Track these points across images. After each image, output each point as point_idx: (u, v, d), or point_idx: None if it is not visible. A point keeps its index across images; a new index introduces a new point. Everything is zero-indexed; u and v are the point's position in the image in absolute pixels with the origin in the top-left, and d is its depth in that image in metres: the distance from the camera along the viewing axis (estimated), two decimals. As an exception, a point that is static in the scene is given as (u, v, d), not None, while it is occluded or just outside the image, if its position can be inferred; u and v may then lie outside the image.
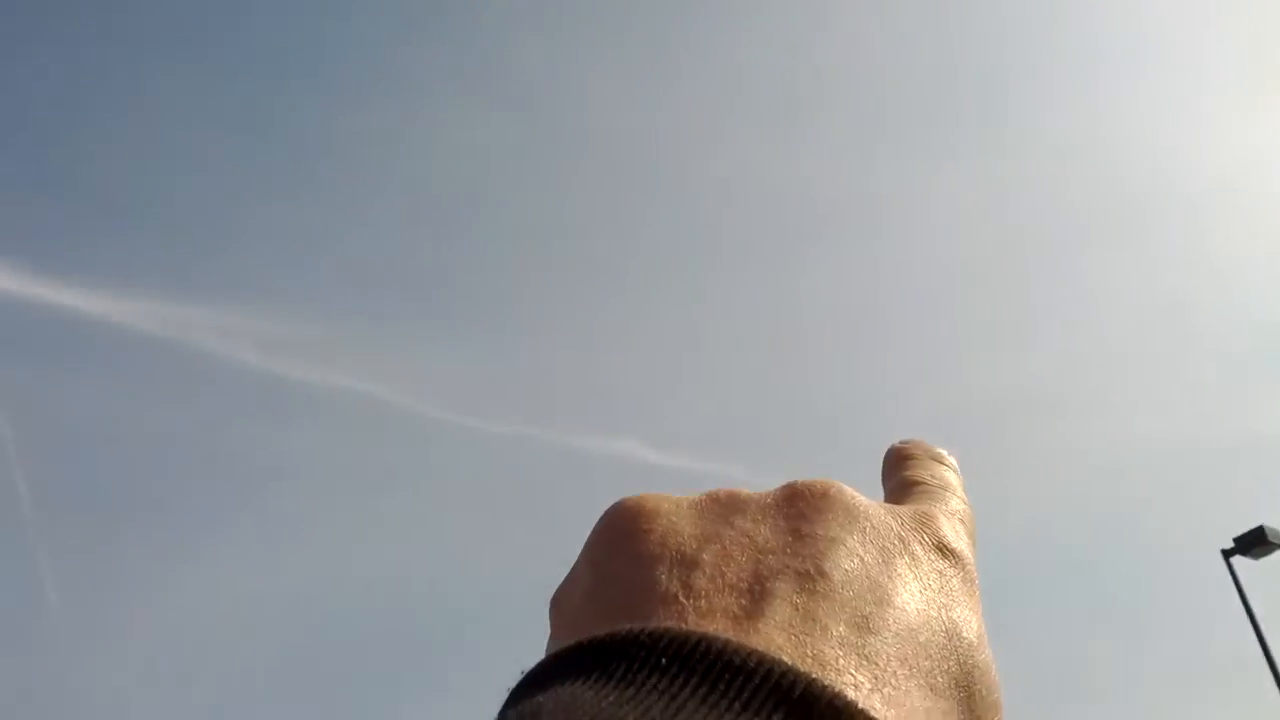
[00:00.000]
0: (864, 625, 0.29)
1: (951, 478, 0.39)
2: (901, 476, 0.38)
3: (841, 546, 0.31)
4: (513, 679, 0.29)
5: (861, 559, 0.31)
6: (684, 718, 0.24)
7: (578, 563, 0.34)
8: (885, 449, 0.41)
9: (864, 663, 0.28)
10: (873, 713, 0.25)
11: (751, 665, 0.25)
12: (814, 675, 0.26)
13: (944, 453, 0.41)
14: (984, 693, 0.30)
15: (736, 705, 0.25)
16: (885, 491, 0.39)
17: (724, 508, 0.33)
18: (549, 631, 0.34)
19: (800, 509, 0.33)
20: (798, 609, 0.29)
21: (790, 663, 0.26)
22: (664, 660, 0.26)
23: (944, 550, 0.33)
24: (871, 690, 0.27)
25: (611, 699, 0.25)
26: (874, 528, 0.32)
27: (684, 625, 0.28)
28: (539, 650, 0.31)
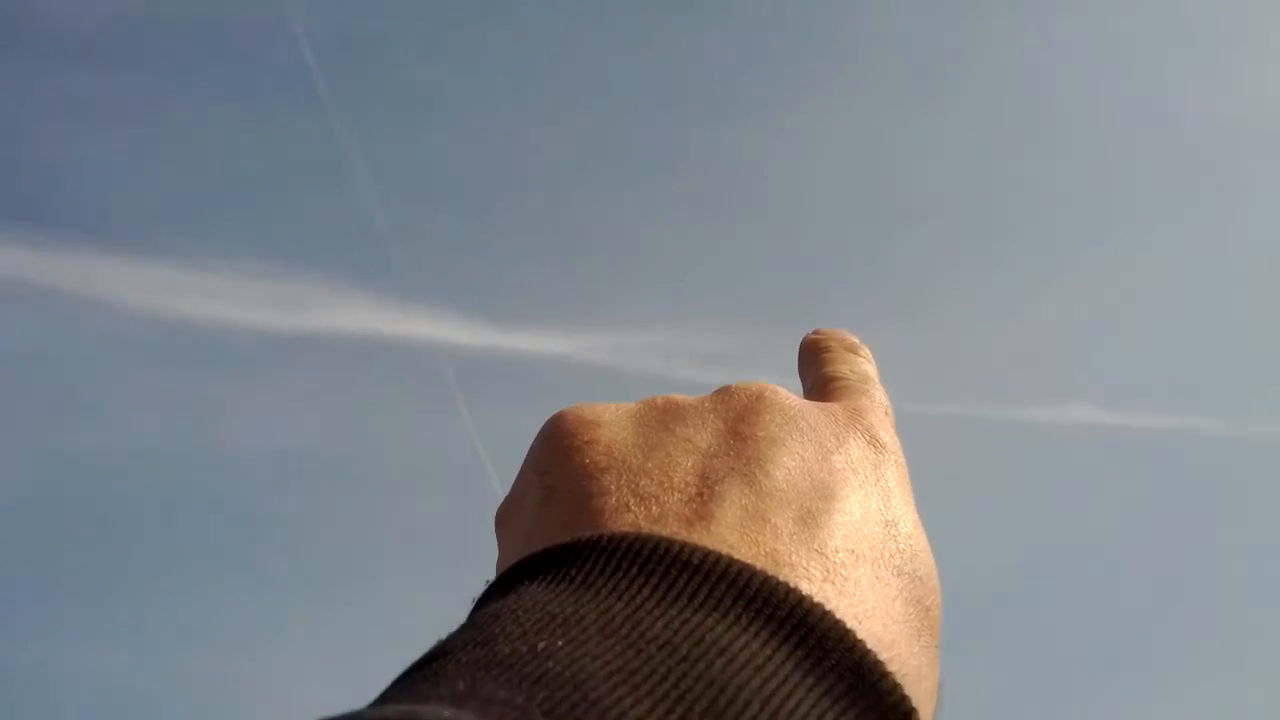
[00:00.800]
0: (811, 520, 0.30)
1: (869, 369, 0.40)
2: (822, 372, 0.39)
3: (782, 446, 0.32)
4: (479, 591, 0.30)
5: (802, 457, 0.32)
6: (642, 615, 0.25)
7: (522, 477, 0.34)
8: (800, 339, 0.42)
9: (815, 556, 0.29)
10: (827, 604, 0.27)
11: (709, 565, 0.26)
12: (769, 572, 0.27)
13: (857, 340, 0.42)
14: (924, 577, 0.31)
15: (695, 602, 0.25)
16: (805, 385, 0.40)
17: (663, 414, 0.34)
18: (498, 550, 0.34)
19: (738, 412, 0.34)
20: (746, 509, 0.29)
21: (746, 561, 0.27)
22: (623, 563, 0.27)
23: (876, 444, 0.34)
24: (824, 581, 0.28)
25: (571, 600, 0.26)
26: (810, 426, 0.33)
27: (639, 531, 0.28)
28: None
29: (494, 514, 0.35)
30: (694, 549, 0.27)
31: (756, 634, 0.25)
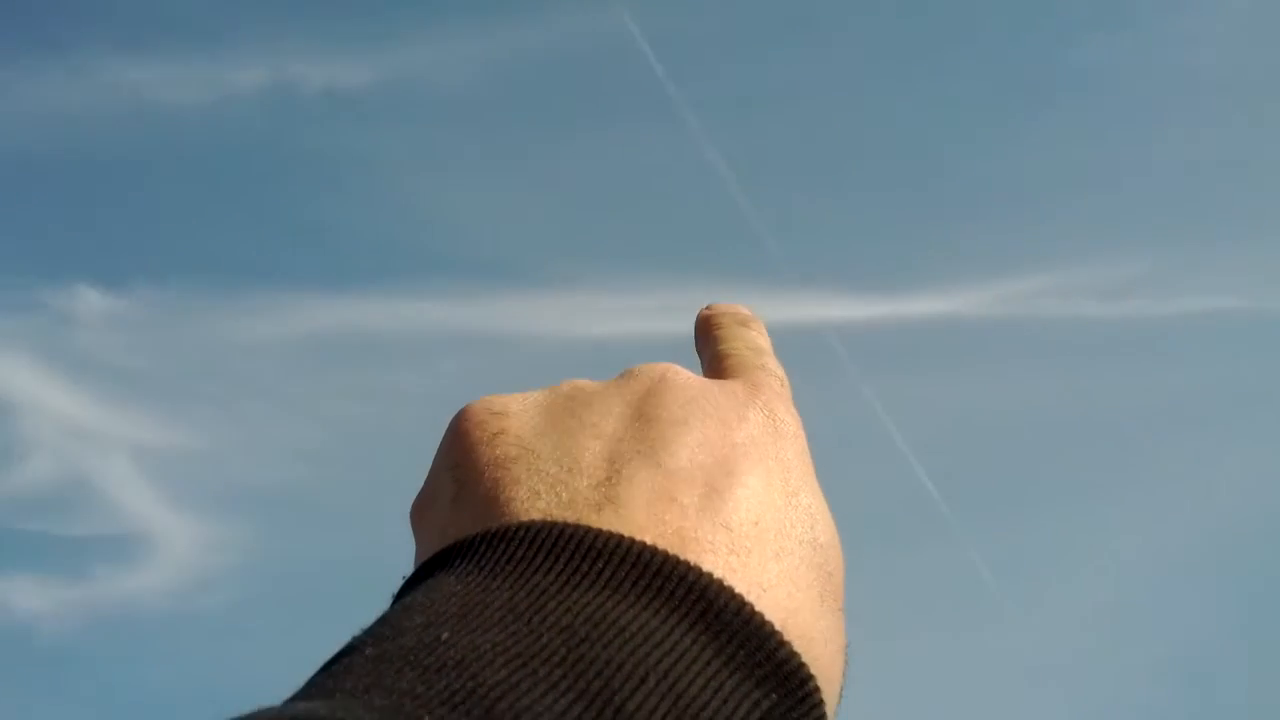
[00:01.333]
0: (716, 496, 0.31)
1: (762, 341, 0.41)
2: (717, 349, 0.40)
3: (685, 426, 0.33)
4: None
5: (705, 435, 0.33)
6: (546, 600, 0.26)
7: (434, 471, 0.35)
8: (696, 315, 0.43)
9: (720, 530, 0.30)
10: (732, 575, 0.28)
11: (611, 547, 0.27)
12: (671, 551, 0.28)
13: (749, 314, 0.43)
14: (826, 544, 0.32)
15: (597, 585, 0.27)
16: (702, 362, 0.41)
17: (570, 401, 0.35)
18: (415, 545, 0.35)
19: (641, 394, 0.35)
20: (654, 489, 0.30)
21: (649, 541, 0.28)
22: (530, 551, 0.28)
23: (775, 419, 0.35)
24: (729, 553, 0.29)
25: (479, 589, 0.27)
26: (712, 404, 0.34)
27: (549, 518, 0.29)
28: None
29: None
30: (598, 533, 0.28)
31: (656, 611, 0.26)
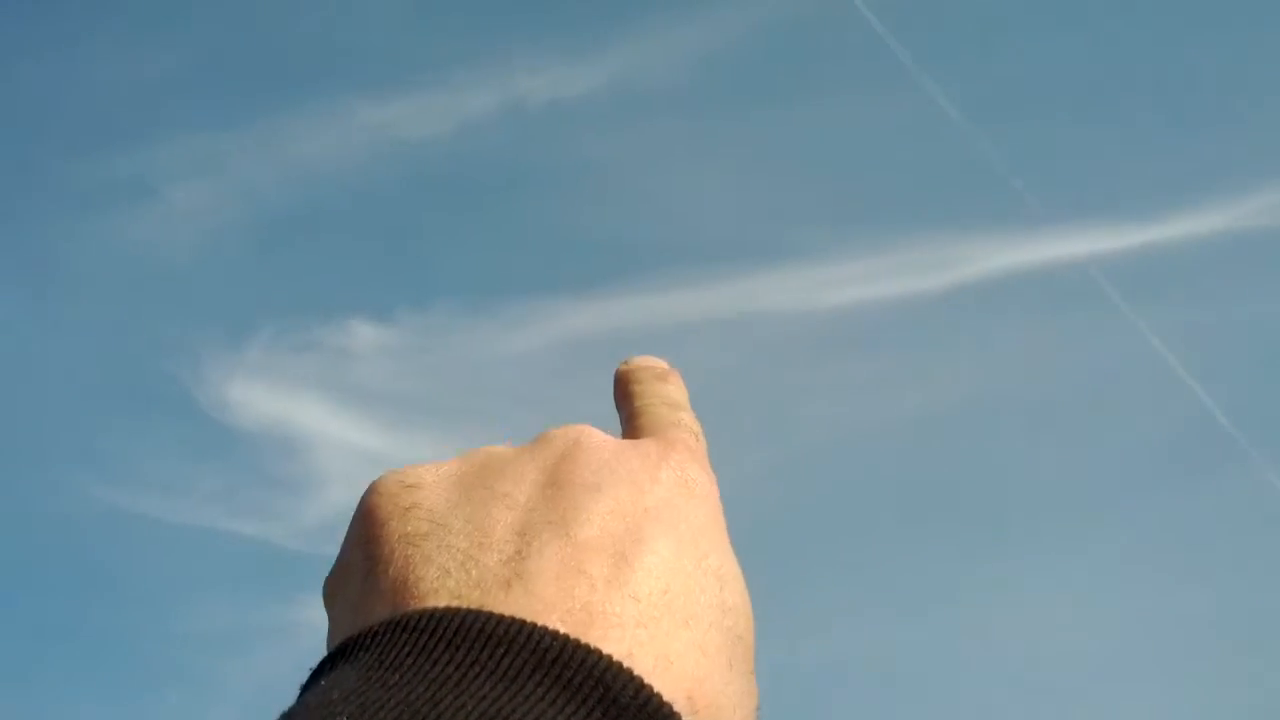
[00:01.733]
0: (625, 565, 0.31)
1: (678, 395, 0.41)
2: (634, 406, 0.40)
3: (596, 492, 0.33)
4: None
5: (616, 500, 0.33)
6: (443, 694, 0.26)
7: (346, 548, 0.35)
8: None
9: (629, 601, 0.30)
10: (639, 649, 0.28)
11: (511, 636, 0.27)
12: (577, 629, 0.28)
13: (666, 366, 0.43)
14: (735, 606, 0.32)
15: (494, 676, 0.27)
16: (621, 419, 0.41)
17: (483, 470, 0.35)
18: (329, 623, 0.34)
19: (554, 460, 0.35)
20: (563, 562, 0.30)
21: (556, 620, 0.28)
22: (429, 641, 0.28)
23: (686, 480, 0.35)
24: (637, 626, 0.29)
25: (378, 684, 0.27)
26: (625, 468, 0.34)
27: (456, 600, 0.29)
28: None
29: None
30: (498, 620, 0.28)
31: (553, 702, 0.26)
